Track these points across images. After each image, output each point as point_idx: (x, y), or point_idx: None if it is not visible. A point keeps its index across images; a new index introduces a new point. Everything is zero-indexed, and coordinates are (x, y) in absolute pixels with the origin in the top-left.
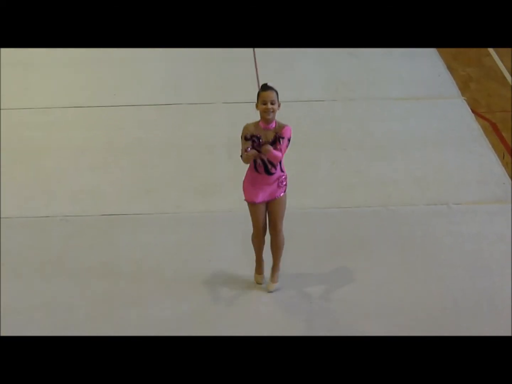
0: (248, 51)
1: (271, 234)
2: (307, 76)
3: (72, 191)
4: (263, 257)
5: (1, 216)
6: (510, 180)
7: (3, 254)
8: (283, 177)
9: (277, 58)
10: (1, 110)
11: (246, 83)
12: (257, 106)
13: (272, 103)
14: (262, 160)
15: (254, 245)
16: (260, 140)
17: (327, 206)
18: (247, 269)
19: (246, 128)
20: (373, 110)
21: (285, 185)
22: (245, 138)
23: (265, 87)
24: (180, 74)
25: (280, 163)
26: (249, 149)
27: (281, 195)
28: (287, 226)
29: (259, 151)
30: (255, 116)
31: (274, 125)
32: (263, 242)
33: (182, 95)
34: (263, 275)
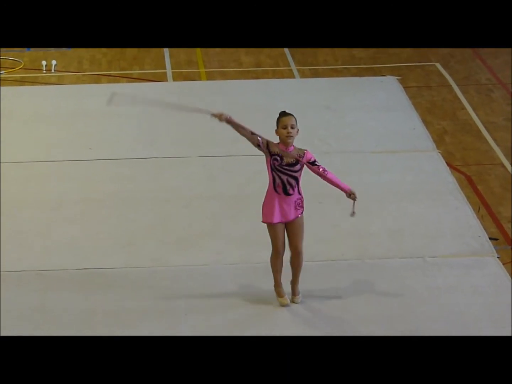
0: (224, 105)
1: (292, 254)
2: None
3: (47, 245)
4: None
5: None
6: (485, 233)
7: None
8: (300, 199)
9: (253, 111)
10: None
11: (221, 137)
12: (277, 131)
13: (292, 127)
14: (281, 180)
15: (273, 267)
16: (282, 160)
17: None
18: (222, 320)
19: (270, 142)
20: (348, 164)
21: (302, 207)
22: (267, 144)
23: (285, 113)
24: (155, 128)
25: (298, 186)
26: (259, 139)
27: (298, 216)
28: (261, 279)
29: (280, 172)
30: (231, 170)
31: (292, 148)
32: (281, 264)
33: (158, 149)
34: (286, 296)
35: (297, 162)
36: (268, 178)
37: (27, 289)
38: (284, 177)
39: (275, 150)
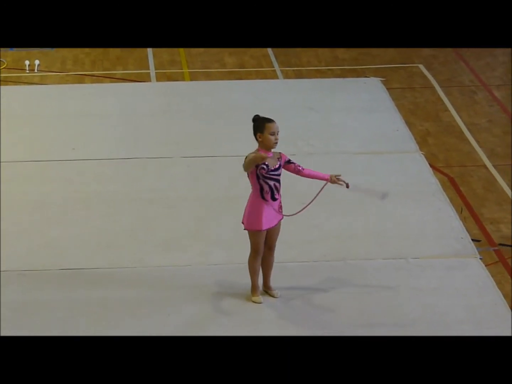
0: (207, 105)
1: (265, 253)
2: None
3: (30, 246)
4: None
5: None
6: (468, 235)
7: None
8: (280, 201)
9: (237, 112)
10: None
11: (204, 137)
12: (261, 136)
13: (278, 133)
14: (269, 186)
15: (252, 269)
16: (269, 167)
17: (285, 260)
18: (205, 320)
19: (260, 154)
20: (331, 165)
21: (282, 208)
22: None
23: (268, 119)
24: (138, 129)
25: (279, 189)
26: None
27: (280, 221)
28: (245, 279)
29: (267, 178)
30: (214, 171)
31: (272, 153)
32: (260, 265)
33: (141, 149)
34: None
35: (279, 165)
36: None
37: (9, 289)
38: (272, 183)
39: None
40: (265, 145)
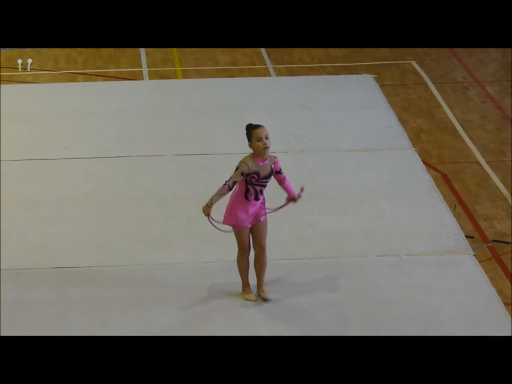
0: (200, 103)
1: (257, 253)
2: None
3: (23, 244)
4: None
5: None
6: (461, 231)
7: None
8: (264, 199)
9: (230, 110)
10: None
11: (197, 135)
12: (251, 145)
13: (266, 138)
14: (255, 190)
15: (241, 267)
16: (260, 176)
17: (278, 258)
18: (198, 320)
19: (245, 163)
20: (324, 162)
21: (265, 206)
22: (241, 174)
23: (255, 125)
24: (131, 127)
25: (263, 191)
26: (227, 185)
27: (264, 215)
28: (237, 277)
29: (256, 185)
30: (207, 169)
31: (267, 159)
32: (248, 264)
33: (133, 148)
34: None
35: (270, 174)
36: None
37: (3, 288)
38: (258, 188)
39: (253, 168)
40: (257, 152)
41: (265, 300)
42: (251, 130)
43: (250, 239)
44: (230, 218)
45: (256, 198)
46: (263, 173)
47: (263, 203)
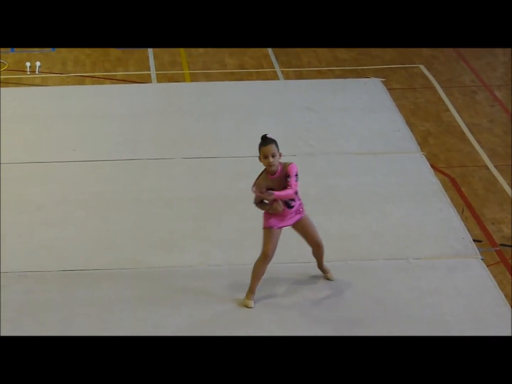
0: (208, 106)
1: (314, 247)
2: (265, 131)
3: (30, 247)
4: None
5: None
6: (469, 235)
7: None
8: (300, 205)
9: (236, 113)
10: None
11: (205, 138)
12: (260, 159)
13: (273, 156)
14: (283, 201)
15: (256, 272)
16: (275, 190)
17: (285, 261)
18: (206, 321)
19: (258, 185)
20: (332, 165)
21: (303, 210)
22: (251, 189)
23: (265, 142)
24: (138, 130)
25: (296, 193)
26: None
27: (302, 216)
28: (246, 280)
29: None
30: (215, 172)
31: (280, 171)
32: (264, 272)
33: (141, 150)
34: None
35: (282, 182)
36: None
37: (10, 290)
38: (283, 200)
39: (264, 186)
40: (265, 167)
41: (330, 279)
42: (260, 146)
43: (276, 248)
44: (264, 220)
45: (289, 206)
46: (276, 186)
47: (299, 209)
